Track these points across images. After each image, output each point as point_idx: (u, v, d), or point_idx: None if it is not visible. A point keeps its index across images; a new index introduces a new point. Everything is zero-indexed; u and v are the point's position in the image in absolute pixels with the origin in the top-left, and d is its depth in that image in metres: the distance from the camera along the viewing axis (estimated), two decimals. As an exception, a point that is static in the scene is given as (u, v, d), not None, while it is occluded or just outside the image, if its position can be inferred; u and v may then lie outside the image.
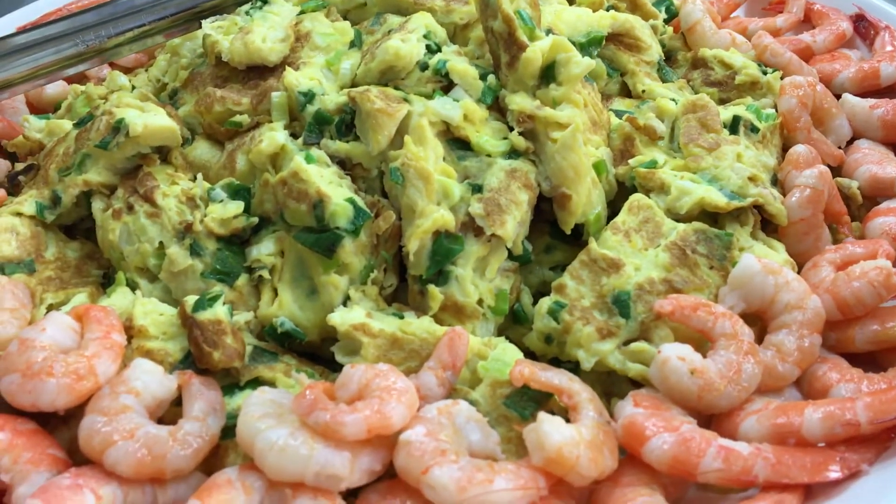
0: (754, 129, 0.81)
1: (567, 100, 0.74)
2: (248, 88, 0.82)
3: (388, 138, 0.73)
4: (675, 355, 0.64)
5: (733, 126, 0.81)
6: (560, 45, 0.75)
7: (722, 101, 0.91)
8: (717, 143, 0.77)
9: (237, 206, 0.75)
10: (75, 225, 0.82)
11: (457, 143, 0.74)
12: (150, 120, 0.79)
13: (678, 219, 0.73)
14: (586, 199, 0.72)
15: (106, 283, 0.79)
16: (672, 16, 1.01)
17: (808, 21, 1.06)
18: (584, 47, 0.86)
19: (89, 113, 0.86)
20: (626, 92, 0.91)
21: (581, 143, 0.72)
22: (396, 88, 0.77)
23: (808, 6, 1.06)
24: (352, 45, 0.84)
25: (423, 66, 0.78)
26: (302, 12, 0.91)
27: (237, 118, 0.80)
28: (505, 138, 0.75)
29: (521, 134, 0.74)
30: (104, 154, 0.79)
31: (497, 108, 0.77)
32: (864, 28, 1.01)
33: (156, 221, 0.75)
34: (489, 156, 0.73)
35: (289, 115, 0.79)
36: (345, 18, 0.93)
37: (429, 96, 0.76)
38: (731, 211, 0.74)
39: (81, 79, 1.00)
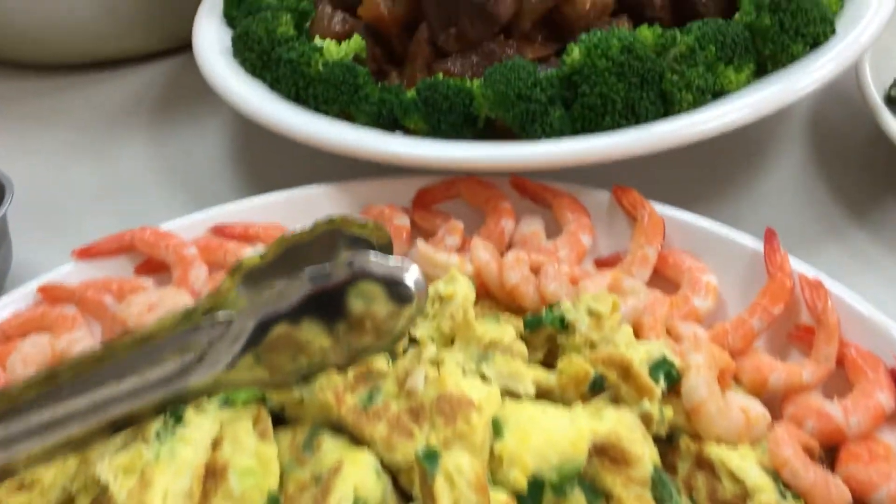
0: None
1: None
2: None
3: None
4: None
5: None
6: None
7: (731, 527, 0.75)
8: None
9: None
10: None
11: None
12: None
13: None
14: None
15: None
16: (673, 382, 0.85)
17: (840, 365, 0.89)
18: (558, 487, 0.71)
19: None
20: (612, 515, 0.75)
21: None
22: None
23: (841, 350, 0.89)
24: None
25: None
26: (229, 401, 0.78)
27: None
28: None
29: None
30: None
31: None
32: (909, 391, 0.84)
33: None
34: None
35: None
36: (280, 412, 0.80)
37: None
38: None
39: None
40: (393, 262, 0.82)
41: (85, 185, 1.43)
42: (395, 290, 0.81)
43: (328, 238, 0.89)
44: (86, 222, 1.35)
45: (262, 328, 0.79)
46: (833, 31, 1.19)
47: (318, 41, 1.27)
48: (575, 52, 1.14)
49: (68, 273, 1.09)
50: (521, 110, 1.11)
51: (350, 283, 0.80)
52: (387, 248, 0.89)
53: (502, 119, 1.13)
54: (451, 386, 0.74)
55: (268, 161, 1.41)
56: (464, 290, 0.92)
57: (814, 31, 1.17)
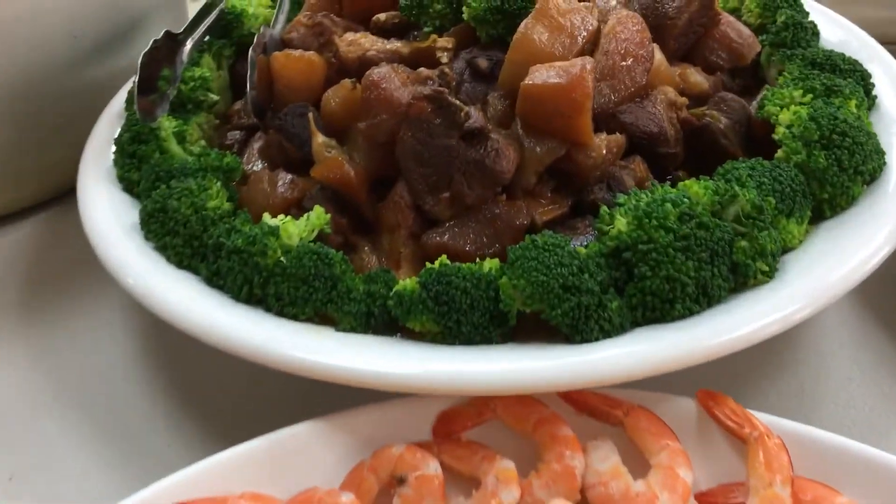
0: None
1: None
2: None
3: None
4: None
5: None
6: None
7: None
8: None
9: None
10: None
11: None
12: None
13: None
14: None
15: None
16: None
17: None
18: None
19: None
20: None
21: None
22: None
23: None
24: None
25: None
26: None
27: None
28: None
29: None
30: None
31: None
32: None
33: None
34: None
35: None
36: None
37: None
38: None
39: None
40: None
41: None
42: None
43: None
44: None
45: None
46: (885, 163, 1.03)
47: (268, 219, 0.97)
48: (619, 222, 0.90)
49: None
50: (571, 305, 0.86)
51: None
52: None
53: (545, 317, 0.88)
54: None
55: (205, 371, 1.08)
56: None
57: (871, 168, 1.01)
